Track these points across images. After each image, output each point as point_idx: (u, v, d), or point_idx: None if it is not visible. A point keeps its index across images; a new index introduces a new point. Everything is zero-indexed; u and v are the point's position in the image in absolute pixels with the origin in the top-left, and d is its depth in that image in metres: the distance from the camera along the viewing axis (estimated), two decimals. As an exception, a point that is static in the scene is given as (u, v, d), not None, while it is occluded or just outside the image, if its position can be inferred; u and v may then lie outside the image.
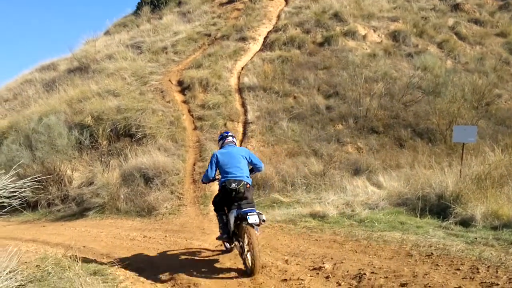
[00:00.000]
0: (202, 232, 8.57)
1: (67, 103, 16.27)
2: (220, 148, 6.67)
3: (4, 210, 5.15)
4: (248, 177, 6.29)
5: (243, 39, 19.81)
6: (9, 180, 4.88)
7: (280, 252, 6.67)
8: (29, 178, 5.08)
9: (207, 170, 6.41)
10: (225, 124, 14.00)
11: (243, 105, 15.20)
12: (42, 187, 11.65)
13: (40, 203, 12.35)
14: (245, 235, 5.69)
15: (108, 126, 14.05)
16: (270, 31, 20.66)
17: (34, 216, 12.04)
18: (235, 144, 6.81)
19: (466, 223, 7.15)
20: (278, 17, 22.12)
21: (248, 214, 5.69)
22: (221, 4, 25.01)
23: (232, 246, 6.47)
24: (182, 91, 16.27)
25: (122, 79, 17.35)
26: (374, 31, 19.77)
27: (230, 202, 6.03)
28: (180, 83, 16.76)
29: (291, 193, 10.57)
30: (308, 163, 11.56)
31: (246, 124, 14.16)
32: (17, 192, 4.86)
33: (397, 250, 6.08)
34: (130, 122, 13.94)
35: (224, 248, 6.96)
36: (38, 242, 8.93)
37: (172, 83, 16.72)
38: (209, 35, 21.06)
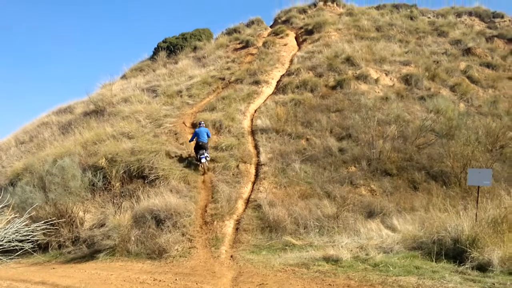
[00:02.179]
0: (213, 275, 8.43)
1: (82, 145, 16.52)
2: (197, 128, 14.64)
3: (16, 254, 5.13)
4: (206, 140, 14.19)
5: (257, 82, 20.14)
6: (23, 224, 4.90)
7: (291, 297, 6.50)
8: (42, 222, 5.10)
9: (192, 137, 14.55)
10: (237, 166, 14.02)
11: (256, 147, 15.26)
12: (53, 229, 11.65)
13: (51, 245, 12.29)
14: (201, 163, 13.68)
15: (121, 168, 14.15)
16: (283, 74, 21.01)
17: (45, 258, 11.96)
18: (204, 127, 14.74)
19: (483, 268, 6.95)
20: (291, 61, 22.54)
21: (202, 156, 13.83)
22: (235, 49, 25.63)
23: (199, 163, 13.98)
24: (196, 133, 16.43)
25: (136, 121, 17.64)
26: (386, 74, 19.98)
27: (199, 149, 14.05)
28: (194, 125, 16.95)
29: (304, 235, 10.41)
30: (321, 205, 11.43)
31: (258, 165, 14.17)
32: (30, 236, 4.87)
33: (412, 295, 5.89)
34: (143, 164, 14.04)
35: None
36: (48, 285, 8.83)
37: (186, 125, 16.93)
38: (223, 79, 21.48)
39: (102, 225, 12.12)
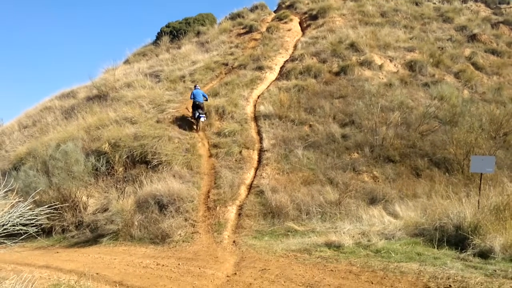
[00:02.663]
0: (215, 260, 8.49)
1: (85, 130, 16.55)
2: (194, 90, 16.17)
3: (20, 238, 5.17)
4: (202, 101, 15.69)
5: (260, 68, 20.05)
6: (27, 208, 4.93)
7: (294, 283, 6.57)
8: (46, 206, 5.13)
9: (190, 97, 16.06)
10: (240, 152, 14.02)
11: (259, 133, 15.25)
12: (57, 213, 11.72)
13: (55, 229, 12.39)
14: (198, 121, 15.42)
15: (124, 153, 14.18)
16: (286, 60, 20.90)
17: (48, 242, 12.07)
18: (199, 89, 16.34)
19: (484, 254, 6.97)
20: (295, 47, 22.40)
21: (200, 114, 15.46)
22: (239, 35, 25.46)
23: (195, 121, 15.79)
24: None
25: (139, 106, 17.63)
26: (391, 61, 19.84)
27: (195, 108, 15.62)
28: (197, 111, 16.93)
29: (306, 221, 10.45)
30: (324, 191, 11.45)
31: (261, 152, 14.17)
32: (34, 220, 4.90)
33: (414, 281, 5.93)
34: (146, 149, 14.06)
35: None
36: (52, 269, 8.93)
37: (189, 110, 16.92)
38: (226, 64, 21.39)
39: (105, 210, 12.19)
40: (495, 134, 13.77)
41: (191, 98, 15.96)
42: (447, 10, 27.29)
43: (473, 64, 20.53)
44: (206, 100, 16.17)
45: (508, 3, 29.34)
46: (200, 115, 15.51)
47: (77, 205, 12.66)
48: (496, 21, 26.52)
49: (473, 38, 23.29)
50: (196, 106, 15.65)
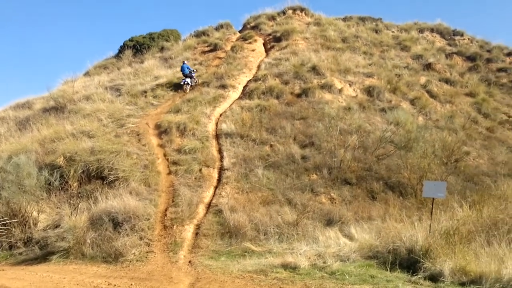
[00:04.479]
0: (169, 281, 8.34)
1: (39, 143, 16.00)
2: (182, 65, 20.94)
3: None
4: (187, 72, 20.65)
5: (223, 86, 20.12)
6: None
7: (248, 304, 6.51)
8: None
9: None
10: (200, 170, 13.93)
11: (220, 151, 15.23)
12: (5, 229, 11.23)
13: (2, 245, 11.81)
14: (183, 86, 20.28)
15: (80, 167, 13.79)
16: (249, 80, 21.08)
17: (-6, 258, 11.50)
18: (185, 64, 20.97)
19: (435, 278, 7.19)
20: (258, 67, 22.65)
21: (184, 80, 20.41)
22: (203, 52, 25.53)
23: (185, 85, 20.38)
24: (159, 135, 16.26)
25: (98, 120, 17.27)
26: (350, 85, 20.39)
27: (183, 77, 20.43)
28: (157, 126, 16.77)
29: (264, 242, 10.45)
30: (282, 212, 11.52)
31: (221, 170, 14.13)
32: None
33: (366, 304, 6.02)
34: (103, 164, 13.73)
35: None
36: (-4, 287, 8.50)
37: (149, 126, 16.72)
38: (189, 81, 21.32)
39: (57, 226, 11.73)
40: (447, 160, 14.35)
41: (180, 71, 21.11)
42: (405, 39, 28.50)
43: (428, 92, 21.44)
44: (192, 71, 20.98)
45: (462, 35, 30.97)
46: (184, 81, 20.39)
47: (27, 221, 12.14)
48: (450, 52, 27.93)
49: (428, 67, 24.38)
50: (184, 76, 20.58)
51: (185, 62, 21.63)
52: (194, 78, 21.00)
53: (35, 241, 11.69)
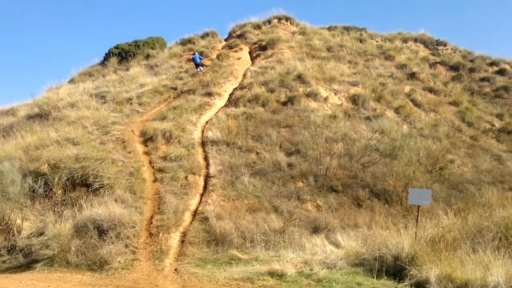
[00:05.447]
0: (155, 289, 8.25)
1: (24, 150, 15.78)
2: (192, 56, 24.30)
3: None
4: (198, 61, 23.84)
5: (209, 94, 20.14)
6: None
7: (235, 312, 6.48)
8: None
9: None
10: (186, 177, 13.87)
11: (206, 158, 15.19)
12: (-13, 236, 11.02)
13: (-16, 253, 11.59)
14: (198, 71, 23.44)
15: (64, 174, 13.62)
16: (235, 88, 21.13)
17: (-24, 267, 11.25)
18: (196, 55, 24.05)
19: (421, 285, 7.24)
20: (244, 75, 22.73)
21: (199, 67, 23.56)
22: (189, 60, 25.53)
23: (199, 71, 23.36)
24: (145, 142, 16.17)
25: (83, 127, 17.10)
26: (335, 94, 20.57)
27: (196, 66, 23.63)
28: (143, 134, 16.67)
29: (250, 249, 10.42)
30: (268, 219, 11.51)
31: (207, 177, 14.09)
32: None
33: (353, 311, 6.03)
34: (87, 171, 13.59)
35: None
36: (-23, 296, 8.32)
37: (134, 133, 16.61)
38: (175, 89, 21.34)
39: (41, 234, 11.54)
40: (432, 168, 14.52)
41: (192, 61, 24.24)
42: (389, 48, 28.91)
43: (412, 100, 21.73)
44: (202, 59, 24.30)
45: (445, 45, 31.55)
46: (199, 67, 23.60)
47: (11, 228, 11.92)
48: (433, 61, 28.42)
49: (412, 76, 24.75)
50: (196, 65, 23.68)
51: (196, 53, 24.52)
52: (204, 65, 24.13)
53: (19, 249, 11.48)
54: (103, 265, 9.85)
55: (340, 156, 14.73)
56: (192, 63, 24.35)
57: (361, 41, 29.98)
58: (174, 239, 11.04)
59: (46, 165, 13.94)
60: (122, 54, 27.87)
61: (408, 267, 7.70)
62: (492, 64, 29.26)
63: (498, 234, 8.62)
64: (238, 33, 30.25)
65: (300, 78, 21.14)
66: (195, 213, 12.33)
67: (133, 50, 28.00)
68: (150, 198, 12.93)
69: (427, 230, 8.78)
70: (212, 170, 14.33)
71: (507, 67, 28.79)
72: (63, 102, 20.57)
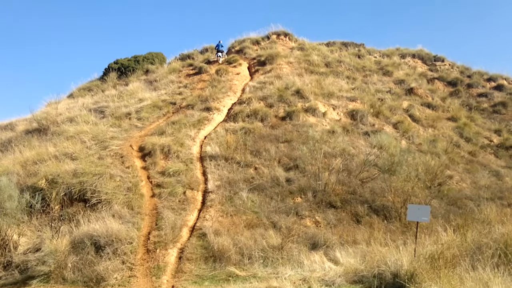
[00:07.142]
0: (152, 306, 8.16)
1: (21, 165, 15.71)
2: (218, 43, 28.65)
3: None
4: (221, 48, 28.36)
5: (208, 109, 20.18)
6: None
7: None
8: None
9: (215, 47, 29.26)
10: (184, 192, 13.81)
11: (204, 173, 15.16)
12: (-17, 252, 10.90)
13: (-21, 269, 11.46)
14: (218, 58, 27.85)
15: (62, 190, 13.56)
16: (234, 103, 21.20)
17: (-30, 284, 11.13)
18: (219, 43, 28.62)
19: (420, 303, 7.15)
20: (243, 90, 22.81)
21: (219, 54, 28.02)
22: (188, 75, 25.66)
23: (218, 58, 27.75)
24: (143, 157, 16.13)
25: (81, 142, 17.07)
26: (334, 109, 20.63)
27: (217, 52, 28.08)
28: (141, 149, 16.65)
29: (248, 266, 10.33)
30: (267, 235, 11.44)
31: (206, 193, 14.04)
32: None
33: (352, 330, 5.96)
34: (85, 186, 13.52)
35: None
36: (-29, 314, 8.21)
37: (133, 148, 16.59)
38: (174, 104, 21.37)
39: (38, 250, 11.44)
40: (430, 184, 14.50)
41: (215, 48, 28.48)
42: (387, 64, 29.12)
43: (410, 116, 21.82)
44: (223, 46, 28.49)
45: (443, 61, 31.78)
46: (219, 54, 27.78)
47: (7, 244, 11.79)
48: (431, 77, 28.60)
49: (410, 91, 24.87)
50: (217, 51, 27.79)
51: (220, 41, 28.44)
52: (224, 54, 28.12)
53: (15, 265, 11.35)
54: (99, 282, 9.75)
55: (339, 171, 14.71)
56: (215, 50, 28.34)
57: (359, 57, 30.20)
58: (171, 255, 10.95)
59: (44, 180, 13.87)
60: (122, 69, 27.98)
61: (407, 285, 7.62)
62: (489, 79, 29.45)
63: (498, 251, 8.56)
64: (237, 48, 30.47)
65: (298, 93, 21.24)
66: (193, 229, 12.26)
67: (133, 65, 28.12)
68: (147, 214, 12.86)
69: (426, 246, 8.72)
70: (211, 185, 14.29)
71: (505, 82, 28.98)
72: (62, 117, 20.56)
